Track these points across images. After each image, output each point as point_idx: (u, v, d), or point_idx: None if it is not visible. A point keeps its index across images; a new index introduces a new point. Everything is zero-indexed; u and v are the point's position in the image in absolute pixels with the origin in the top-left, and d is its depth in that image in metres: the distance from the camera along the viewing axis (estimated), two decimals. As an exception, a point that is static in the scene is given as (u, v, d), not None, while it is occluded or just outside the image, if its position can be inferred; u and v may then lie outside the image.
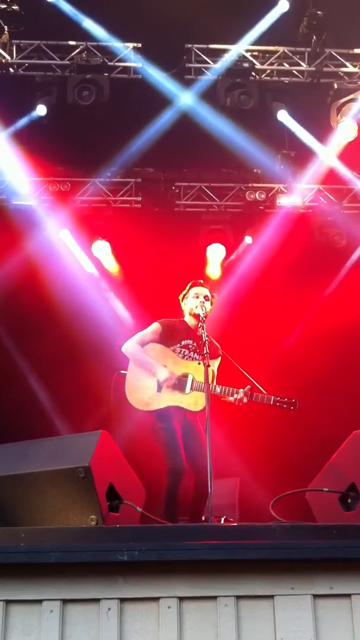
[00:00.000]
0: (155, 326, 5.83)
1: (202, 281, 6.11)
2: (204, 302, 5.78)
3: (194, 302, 5.83)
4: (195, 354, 5.72)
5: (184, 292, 6.00)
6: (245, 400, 5.43)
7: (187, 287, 6.00)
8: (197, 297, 5.84)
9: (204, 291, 5.91)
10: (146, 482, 4.53)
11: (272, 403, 5.42)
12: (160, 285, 8.92)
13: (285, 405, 5.41)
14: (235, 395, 5.44)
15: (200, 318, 5.55)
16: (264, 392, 5.43)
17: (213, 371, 5.63)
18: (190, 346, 5.76)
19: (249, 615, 2.93)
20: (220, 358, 5.78)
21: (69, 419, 9.02)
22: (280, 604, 2.94)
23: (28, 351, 9.49)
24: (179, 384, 5.59)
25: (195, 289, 5.93)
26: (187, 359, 5.71)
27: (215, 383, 5.56)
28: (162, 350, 5.74)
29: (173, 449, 5.48)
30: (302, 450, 8.52)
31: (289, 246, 9.48)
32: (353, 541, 3.13)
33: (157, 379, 5.59)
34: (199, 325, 5.52)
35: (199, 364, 5.45)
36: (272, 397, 5.42)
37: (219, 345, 5.81)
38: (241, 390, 5.43)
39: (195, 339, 5.77)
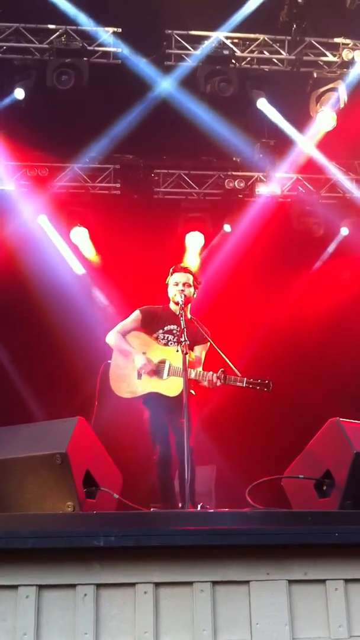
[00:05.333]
0: (135, 314, 5.89)
1: (183, 265, 6.11)
2: (183, 290, 5.76)
3: (173, 290, 5.84)
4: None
5: (168, 278, 5.96)
6: (218, 383, 5.34)
7: (170, 272, 5.97)
8: (177, 285, 5.82)
9: (184, 278, 5.86)
10: (125, 469, 4.54)
11: (244, 385, 5.32)
12: (139, 272, 8.90)
13: (258, 387, 5.31)
14: (207, 378, 5.38)
15: (180, 305, 5.58)
16: (238, 374, 5.35)
17: (195, 356, 5.65)
18: (174, 331, 5.77)
19: (225, 601, 2.95)
20: (208, 344, 5.74)
21: (46, 406, 8.97)
22: (255, 590, 2.96)
23: (4, 338, 9.42)
24: (157, 370, 5.61)
25: (175, 277, 5.89)
26: (170, 344, 5.72)
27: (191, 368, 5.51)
28: (142, 338, 5.80)
29: (157, 439, 5.53)
30: (278, 437, 8.58)
31: (268, 235, 9.50)
32: (328, 527, 3.17)
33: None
34: (178, 313, 5.54)
35: (177, 351, 5.45)
36: (245, 379, 5.32)
37: (207, 331, 5.77)
38: (213, 373, 5.37)
39: (179, 324, 5.76)
